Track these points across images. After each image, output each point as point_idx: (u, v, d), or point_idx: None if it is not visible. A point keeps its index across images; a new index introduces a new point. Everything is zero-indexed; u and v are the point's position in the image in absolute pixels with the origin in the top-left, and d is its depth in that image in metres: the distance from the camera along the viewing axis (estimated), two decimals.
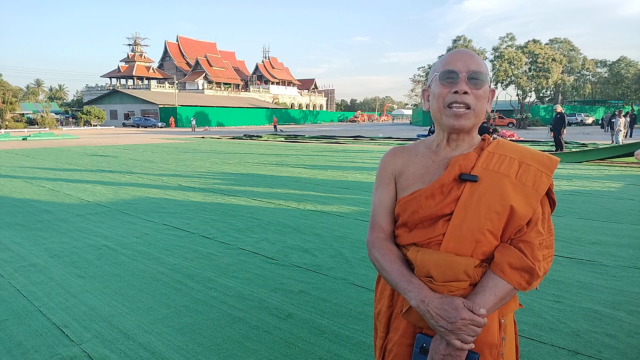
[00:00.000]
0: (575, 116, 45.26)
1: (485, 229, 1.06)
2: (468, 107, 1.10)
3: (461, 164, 1.11)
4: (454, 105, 1.10)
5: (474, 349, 1.05)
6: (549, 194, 1.13)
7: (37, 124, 45.68)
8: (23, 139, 25.11)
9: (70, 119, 57.31)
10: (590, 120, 45.18)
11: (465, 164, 1.11)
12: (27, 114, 53.62)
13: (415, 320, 1.10)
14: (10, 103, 43.60)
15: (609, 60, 51.27)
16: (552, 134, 14.53)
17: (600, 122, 34.00)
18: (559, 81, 40.40)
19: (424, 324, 1.09)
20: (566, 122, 14.35)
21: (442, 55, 1.22)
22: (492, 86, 1.17)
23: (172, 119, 48.14)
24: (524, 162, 1.11)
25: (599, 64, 52.41)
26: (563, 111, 14.43)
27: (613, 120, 18.09)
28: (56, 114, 59.70)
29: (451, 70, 1.10)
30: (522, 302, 3.00)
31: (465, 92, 1.09)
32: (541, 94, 48.74)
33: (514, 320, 1.20)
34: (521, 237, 1.07)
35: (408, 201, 1.15)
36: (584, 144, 18.02)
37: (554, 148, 14.61)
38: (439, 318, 1.02)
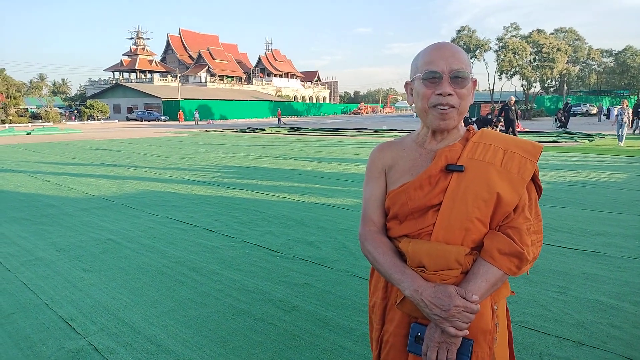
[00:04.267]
0: (580, 106, 44.88)
1: (473, 217, 1.08)
2: (452, 107, 1.11)
3: (447, 155, 1.14)
4: (439, 106, 1.11)
5: (468, 336, 1.07)
6: (534, 180, 1.15)
7: (41, 119, 45.79)
8: (27, 134, 25.22)
9: (67, 113, 56.87)
10: (595, 110, 44.79)
11: (451, 155, 1.14)
12: (31, 108, 53.70)
13: (410, 310, 1.12)
14: (14, 98, 43.80)
15: (615, 50, 50.84)
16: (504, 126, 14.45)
17: (606, 112, 33.85)
18: (564, 71, 40.04)
19: (418, 314, 1.11)
20: (518, 115, 14.53)
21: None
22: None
23: (180, 113, 47.49)
24: (508, 149, 1.14)
25: (604, 54, 51.90)
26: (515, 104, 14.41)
27: (606, 113, 17.97)
28: (59, 108, 59.71)
29: (434, 71, 1.09)
30: (527, 293, 3.00)
31: (450, 94, 1.09)
32: (546, 84, 48.35)
33: (507, 307, 1.22)
34: (509, 223, 1.10)
35: (397, 193, 1.17)
36: (589, 134, 17.89)
37: (559, 139, 14.52)
38: (433, 306, 1.04)
